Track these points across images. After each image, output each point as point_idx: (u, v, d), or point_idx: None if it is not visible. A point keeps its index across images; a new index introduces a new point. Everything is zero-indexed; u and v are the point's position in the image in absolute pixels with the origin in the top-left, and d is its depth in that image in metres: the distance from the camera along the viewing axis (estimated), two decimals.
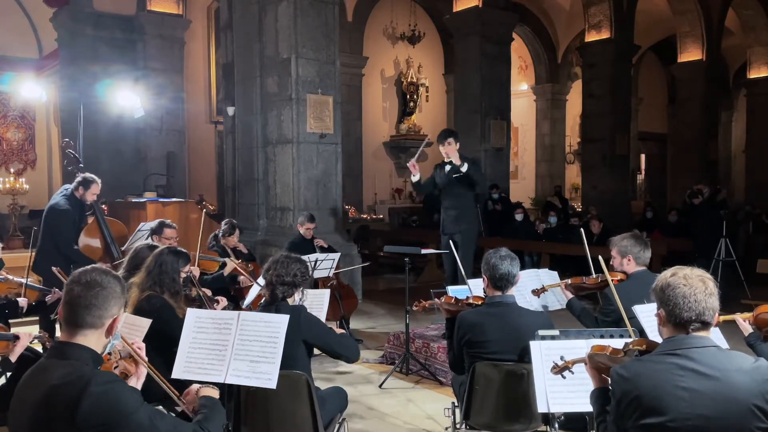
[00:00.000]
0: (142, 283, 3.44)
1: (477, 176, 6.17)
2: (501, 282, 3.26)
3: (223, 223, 6.40)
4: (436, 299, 3.75)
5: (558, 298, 4.11)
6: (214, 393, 2.34)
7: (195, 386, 2.38)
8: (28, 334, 3.19)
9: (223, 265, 5.72)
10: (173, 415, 2.62)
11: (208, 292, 4.42)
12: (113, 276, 2.08)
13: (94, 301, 1.99)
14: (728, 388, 1.92)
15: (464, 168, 6.04)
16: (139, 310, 3.30)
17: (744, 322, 2.83)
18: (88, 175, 5.86)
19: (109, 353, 2.13)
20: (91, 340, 2.00)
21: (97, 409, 1.86)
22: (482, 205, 10.88)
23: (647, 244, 3.81)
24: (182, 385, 2.57)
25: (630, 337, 2.72)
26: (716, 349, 2.00)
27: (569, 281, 4.00)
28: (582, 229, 3.73)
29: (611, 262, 3.87)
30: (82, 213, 5.90)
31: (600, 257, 3.39)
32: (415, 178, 6.37)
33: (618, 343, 2.34)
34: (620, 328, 2.93)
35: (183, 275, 3.58)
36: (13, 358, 3.15)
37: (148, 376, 2.26)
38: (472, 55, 11.96)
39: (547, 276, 4.29)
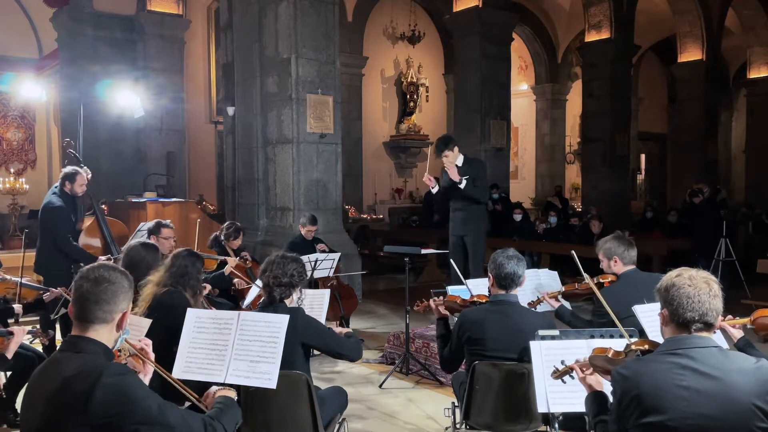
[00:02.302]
0: (162, 281, 3.45)
1: (474, 191, 6.18)
2: (506, 281, 3.27)
3: (225, 225, 6.29)
4: (432, 299, 3.74)
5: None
6: (232, 394, 2.39)
7: (213, 388, 2.43)
8: (22, 329, 3.22)
9: (222, 264, 5.72)
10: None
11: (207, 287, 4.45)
12: (120, 271, 2.13)
13: (104, 296, 2.04)
14: (729, 389, 1.92)
15: (462, 184, 6.08)
16: (158, 303, 3.32)
17: (731, 327, 2.83)
18: (70, 168, 5.80)
19: (119, 350, 2.18)
20: (102, 334, 2.05)
21: (110, 400, 1.91)
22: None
23: (631, 243, 3.86)
24: (199, 387, 2.58)
25: (631, 336, 2.72)
26: (717, 349, 2.00)
27: (563, 289, 4.01)
28: (573, 252, 3.69)
29: (601, 265, 3.90)
30: (75, 208, 5.82)
31: (582, 270, 3.41)
32: (434, 190, 6.39)
33: (619, 344, 2.34)
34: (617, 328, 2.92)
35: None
36: (9, 355, 3.18)
37: (158, 375, 2.29)
38: (472, 55, 11.95)
39: (547, 276, 4.29)
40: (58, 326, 5.44)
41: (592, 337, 2.77)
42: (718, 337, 2.61)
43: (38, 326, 3.79)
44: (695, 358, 1.96)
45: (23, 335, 3.24)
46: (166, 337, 3.05)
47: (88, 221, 6.20)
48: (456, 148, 6.21)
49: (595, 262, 3.96)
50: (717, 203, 11.15)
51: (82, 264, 5.08)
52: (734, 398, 1.92)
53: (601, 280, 3.82)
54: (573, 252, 3.65)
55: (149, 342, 2.32)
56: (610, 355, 2.26)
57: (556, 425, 2.90)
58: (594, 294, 3.55)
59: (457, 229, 6.32)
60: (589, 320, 3.86)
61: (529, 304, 3.96)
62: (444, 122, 16.74)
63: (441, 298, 3.76)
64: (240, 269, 5.86)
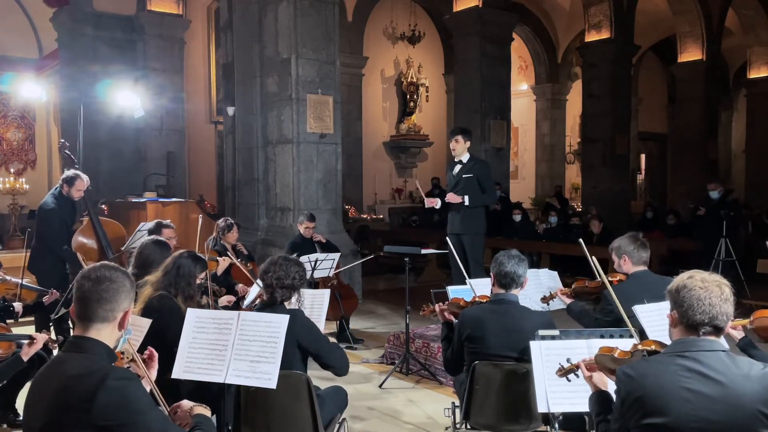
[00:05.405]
0: (157, 282, 3.40)
1: (481, 199, 6.26)
2: (505, 280, 3.27)
3: (220, 221, 6.37)
4: (438, 304, 3.72)
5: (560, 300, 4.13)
6: (207, 412, 2.37)
7: (186, 404, 2.38)
8: (43, 336, 3.31)
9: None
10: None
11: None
12: (122, 271, 2.13)
13: (105, 295, 2.04)
14: (734, 394, 1.91)
15: (467, 201, 6.17)
16: (148, 307, 3.29)
17: (732, 329, 2.82)
18: (71, 171, 5.86)
19: (122, 352, 2.17)
20: (104, 334, 2.05)
21: (113, 404, 1.89)
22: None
23: (644, 244, 3.80)
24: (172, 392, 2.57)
25: (631, 336, 2.72)
26: (725, 354, 1.98)
27: (573, 285, 4.00)
28: (580, 240, 3.64)
29: (614, 265, 3.88)
30: (72, 211, 5.86)
31: (594, 258, 3.37)
32: (437, 205, 6.48)
33: (623, 344, 2.33)
34: (620, 328, 2.92)
35: (198, 281, 3.54)
36: (25, 358, 3.27)
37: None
38: (472, 55, 11.95)
39: (547, 276, 4.29)
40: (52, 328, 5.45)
41: (594, 336, 2.77)
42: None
43: (56, 336, 3.80)
44: (702, 361, 1.95)
45: (43, 341, 3.27)
46: (153, 343, 3.03)
47: (82, 220, 6.21)
48: (468, 143, 6.35)
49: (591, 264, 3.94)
50: (726, 203, 11.06)
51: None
52: (740, 404, 1.90)
53: (610, 279, 3.80)
54: (593, 258, 3.49)
55: (155, 355, 2.34)
56: (616, 355, 2.24)
57: (556, 425, 2.90)
58: (600, 294, 3.53)
59: (455, 228, 6.33)
60: (596, 318, 3.85)
61: (542, 299, 4.01)
62: (444, 122, 16.74)
63: (446, 303, 3.73)
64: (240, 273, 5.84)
